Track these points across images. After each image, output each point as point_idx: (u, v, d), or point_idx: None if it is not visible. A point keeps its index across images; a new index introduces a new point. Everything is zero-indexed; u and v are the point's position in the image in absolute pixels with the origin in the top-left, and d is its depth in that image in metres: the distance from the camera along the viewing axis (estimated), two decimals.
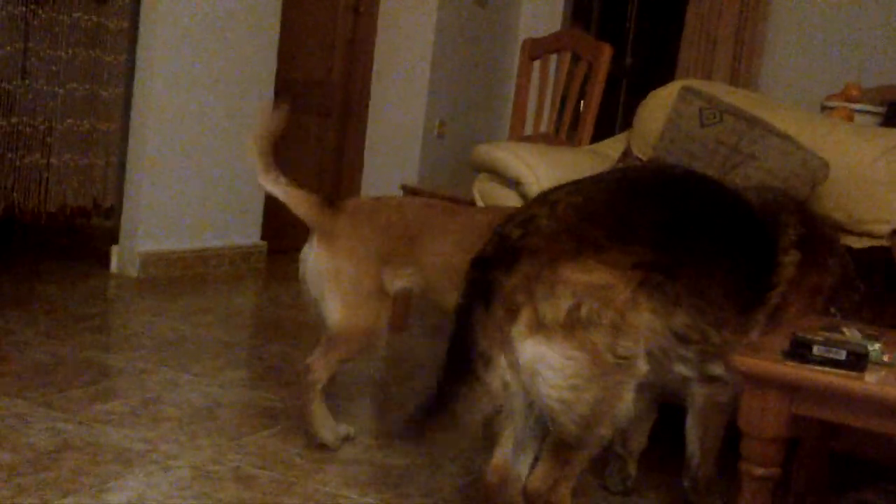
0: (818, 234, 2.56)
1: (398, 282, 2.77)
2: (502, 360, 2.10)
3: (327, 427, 2.78)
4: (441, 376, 2.14)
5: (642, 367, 2.16)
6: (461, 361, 2.11)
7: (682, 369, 2.31)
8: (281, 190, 2.76)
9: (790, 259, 2.40)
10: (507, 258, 2.12)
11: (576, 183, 2.34)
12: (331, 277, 2.72)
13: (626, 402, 2.15)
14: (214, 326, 4.09)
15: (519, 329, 2.07)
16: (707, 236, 2.30)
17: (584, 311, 2.06)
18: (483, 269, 2.14)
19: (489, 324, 2.09)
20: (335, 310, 2.72)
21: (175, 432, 2.79)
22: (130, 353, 3.57)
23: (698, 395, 2.44)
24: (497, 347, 2.09)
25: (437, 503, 2.50)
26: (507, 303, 2.09)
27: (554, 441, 2.17)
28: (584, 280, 2.07)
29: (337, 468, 2.67)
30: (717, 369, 2.36)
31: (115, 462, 2.53)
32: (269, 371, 3.52)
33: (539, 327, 2.06)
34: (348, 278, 2.71)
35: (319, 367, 2.75)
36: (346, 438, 2.82)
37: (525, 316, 2.07)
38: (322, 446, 2.77)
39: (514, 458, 2.26)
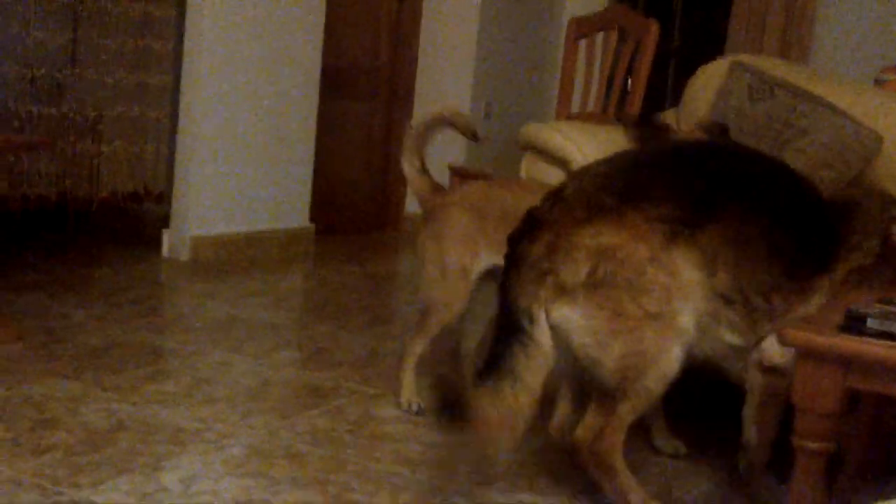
0: None
1: (493, 260, 2.82)
2: (544, 317, 2.18)
3: (411, 397, 2.96)
4: (492, 339, 2.22)
5: (684, 322, 2.18)
6: (508, 320, 2.19)
7: (731, 338, 2.29)
8: (407, 170, 3.02)
9: (863, 244, 2.33)
10: (532, 230, 2.22)
11: (609, 157, 2.41)
12: (423, 254, 2.94)
13: (671, 357, 2.19)
14: (264, 308, 4.12)
15: (547, 295, 2.16)
16: (746, 201, 2.28)
17: (600, 272, 2.14)
18: (515, 243, 2.24)
19: (524, 284, 2.18)
20: (421, 284, 2.95)
21: (227, 412, 2.82)
22: (182, 335, 3.61)
23: (756, 384, 2.39)
24: (536, 304, 2.17)
25: (486, 480, 2.50)
26: (534, 271, 2.18)
27: (598, 392, 2.23)
28: (595, 243, 2.16)
29: (388, 446, 2.68)
30: (777, 359, 2.33)
31: (168, 442, 2.56)
32: (319, 351, 3.54)
33: (563, 292, 2.16)
34: (434, 256, 2.91)
35: (413, 343, 2.96)
36: (418, 412, 2.92)
37: (550, 282, 2.17)
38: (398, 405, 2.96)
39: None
